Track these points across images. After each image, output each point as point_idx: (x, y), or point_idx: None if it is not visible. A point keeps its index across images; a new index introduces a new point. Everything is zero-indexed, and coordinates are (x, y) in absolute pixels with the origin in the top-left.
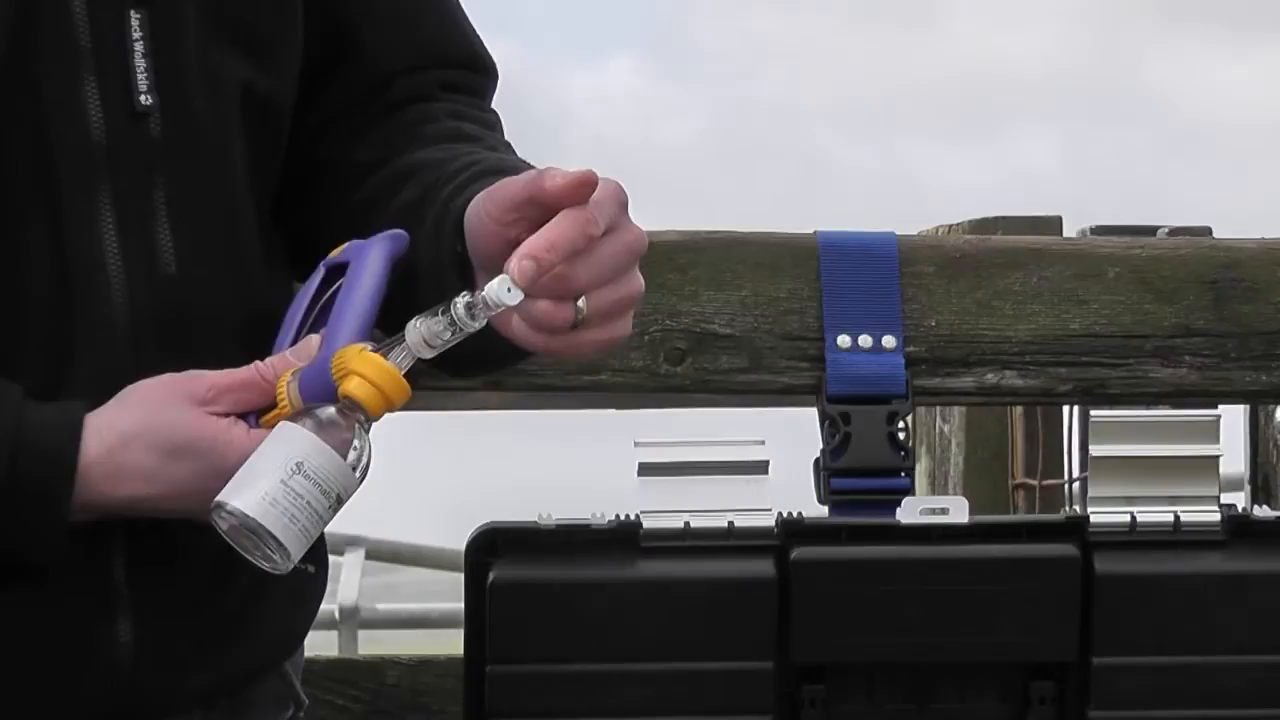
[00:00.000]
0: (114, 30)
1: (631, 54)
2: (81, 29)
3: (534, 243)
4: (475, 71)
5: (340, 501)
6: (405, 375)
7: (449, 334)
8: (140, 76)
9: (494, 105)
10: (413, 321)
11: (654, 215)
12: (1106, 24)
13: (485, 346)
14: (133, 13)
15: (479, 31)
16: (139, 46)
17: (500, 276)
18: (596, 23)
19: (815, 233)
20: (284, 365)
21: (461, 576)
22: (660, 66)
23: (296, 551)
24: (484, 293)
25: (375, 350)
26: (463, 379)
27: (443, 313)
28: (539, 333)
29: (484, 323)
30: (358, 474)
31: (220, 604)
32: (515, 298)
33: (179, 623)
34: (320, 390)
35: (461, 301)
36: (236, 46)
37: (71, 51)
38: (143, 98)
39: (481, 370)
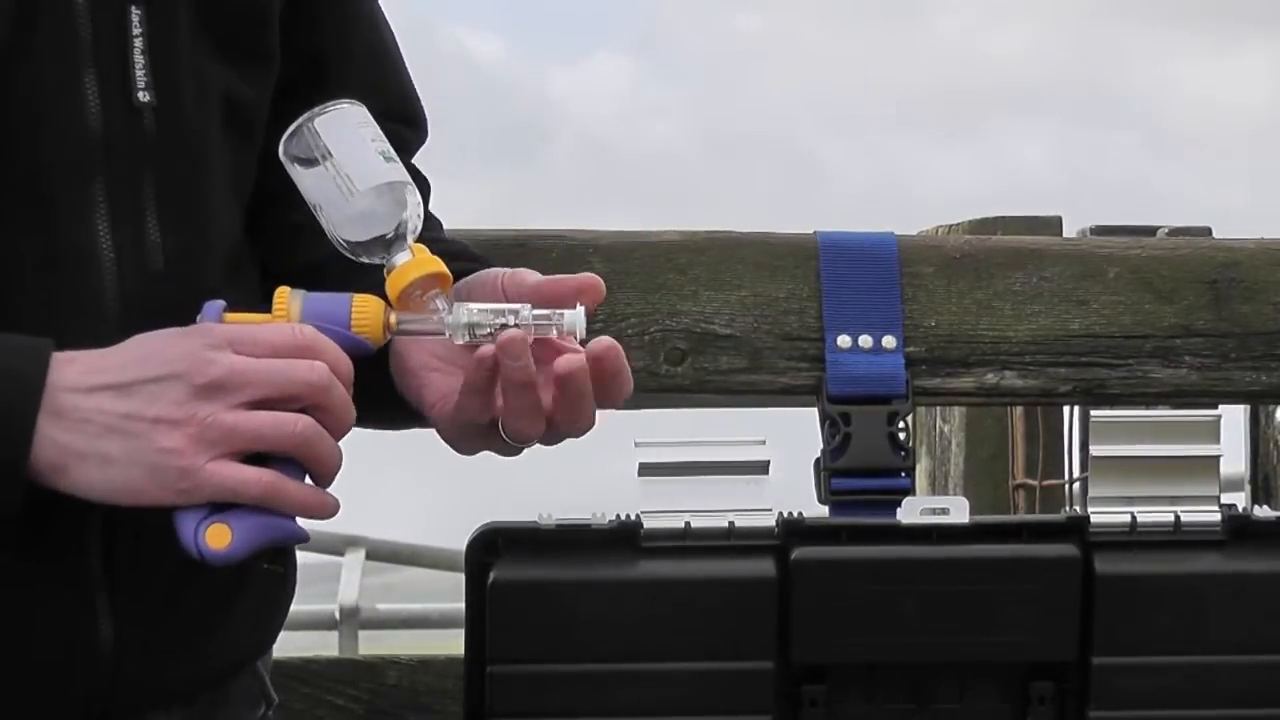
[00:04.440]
0: (115, 25)
1: (614, 53)
2: (83, 22)
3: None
4: (412, 127)
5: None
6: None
7: (489, 329)
8: (139, 72)
9: (478, 103)
10: (466, 304)
11: (644, 215)
12: (1093, 25)
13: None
14: (133, 9)
15: (463, 31)
16: (139, 43)
17: (580, 309)
18: (578, 21)
19: (815, 233)
20: None
21: (461, 576)
22: (644, 66)
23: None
24: (561, 313)
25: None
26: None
27: (506, 313)
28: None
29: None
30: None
31: (196, 600)
32: (582, 332)
33: (158, 618)
34: (329, 307)
35: (526, 309)
36: (219, 54)
37: (72, 44)
38: (140, 94)
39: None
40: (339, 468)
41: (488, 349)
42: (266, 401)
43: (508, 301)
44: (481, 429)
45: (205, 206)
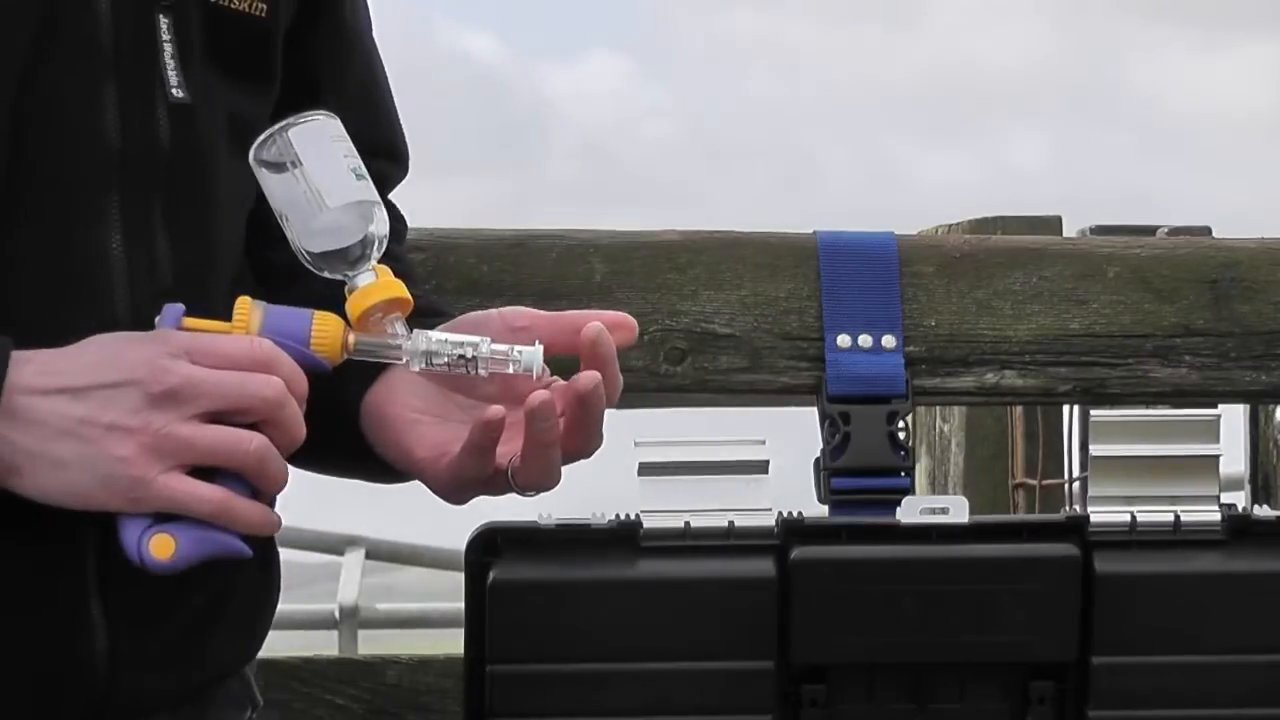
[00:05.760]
0: (140, 33)
1: (613, 51)
2: (105, 30)
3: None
4: (395, 162)
5: None
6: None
7: (446, 359)
8: (172, 75)
9: (477, 103)
10: (425, 331)
11: (640, 213)
12: (1089, 23)
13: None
14: (161, 16)
15: (461, 31)
16: (169, 48)
17: (538, 347)
18: (575, 20)
19: (815, 233)
20: None
21: (461, 576)
22: (643, 65)
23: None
24: (520, 350)
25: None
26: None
27: (465, 345)
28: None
29: (483, 373)
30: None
31: (187, 610)
32: (539, 369)
33: (151, 629)
34: (289, 322)
35: (486, 342)
36: (225, 72)
37: (94, 53)
38: (175, 91)
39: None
40: (284, 485)
41: (496, 410)
42: (220, 414)
43: (514, 336)
44: (480, 481)
45: (211, 223)
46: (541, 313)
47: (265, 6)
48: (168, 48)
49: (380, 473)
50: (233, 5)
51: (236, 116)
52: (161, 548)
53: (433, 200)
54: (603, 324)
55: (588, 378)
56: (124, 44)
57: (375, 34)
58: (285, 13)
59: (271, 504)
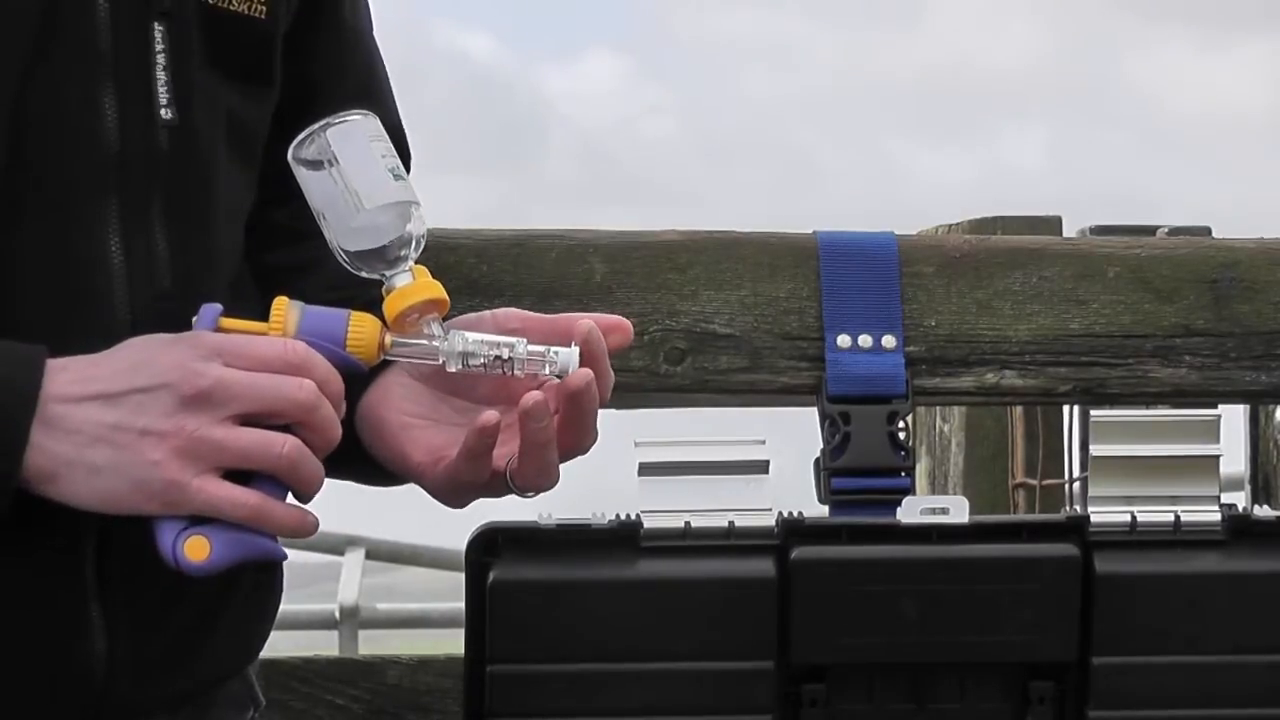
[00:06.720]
0: (136, 40)
1: (609, 51)
2: (104, 36)
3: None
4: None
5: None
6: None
7: (483, 360)
8: (161, 89)
9: (476, 102)
10: (461, 332)
11: (640, 213)
12: (1088, 22)
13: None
14: (156, 24)
15: (459, 30)
16: (161, 59)
17: (574, 348)
18: (574, 19)
19: (815, 233)
20: None
21: (461, 576)
22: (640, 64)
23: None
24: (556, 351)
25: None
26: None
27: (501, 345)
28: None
29: (519, 374)
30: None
31: (187, 613)
32: (574, 367)
33: (150, 632)
34: (325, 323)
35: (522, 343)
36: (225, 75)
37: (93, 57)
38: (164, 111)
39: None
40: (321, 486)
41: (490, 416)
42: (253, 416)
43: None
44: (478, 484)
45: (210, 226)
46: (533, 315)
47: (265, 8)
48: (160, 59)
49: (376, 476)
50: (231, 7)
51: (236, 119)
52: (196, 550)
53: (432, 200)
54: (595, 324)
55: (579, 375)
56: (122, 48)
57: (374, 34)
58: (285, 14)
59: None
